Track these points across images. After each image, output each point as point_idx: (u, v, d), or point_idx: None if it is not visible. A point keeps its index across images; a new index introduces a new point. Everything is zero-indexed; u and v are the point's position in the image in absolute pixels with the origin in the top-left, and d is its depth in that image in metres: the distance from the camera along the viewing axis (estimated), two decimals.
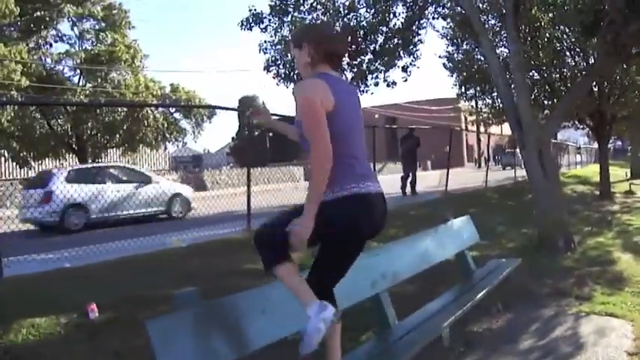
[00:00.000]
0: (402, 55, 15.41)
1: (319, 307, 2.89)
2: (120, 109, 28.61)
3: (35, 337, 4.54)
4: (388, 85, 16.21)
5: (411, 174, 17.09)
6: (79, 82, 29.92)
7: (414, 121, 39.41)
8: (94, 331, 4.67)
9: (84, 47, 30.01)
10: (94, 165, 17.42)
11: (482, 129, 36.05)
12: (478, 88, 19.38)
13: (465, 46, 18.43)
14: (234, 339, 3.12)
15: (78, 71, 29.97)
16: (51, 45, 30.08)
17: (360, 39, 15.30)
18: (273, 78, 15.85)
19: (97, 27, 29.97)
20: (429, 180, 20.03)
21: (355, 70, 15.31)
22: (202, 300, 3.14)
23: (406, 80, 16.88)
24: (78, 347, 4.39)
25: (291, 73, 15.38)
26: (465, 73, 18.74)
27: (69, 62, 29.87)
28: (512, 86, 9.78)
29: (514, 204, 14.49)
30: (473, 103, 24.03)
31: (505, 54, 13.86)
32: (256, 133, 46.57)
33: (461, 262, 6.41)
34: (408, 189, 16.98)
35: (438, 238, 5.95)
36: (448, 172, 17.36)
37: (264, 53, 15.74)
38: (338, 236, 2.91)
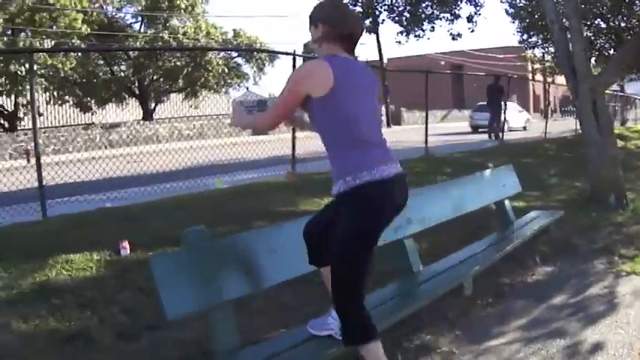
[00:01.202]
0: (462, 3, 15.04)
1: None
2: (181, 55, 28.92)
3: (68, 272, 4.69)
4: (454, 39, 15.92)
5: (496, 120, 17.95)
6: (139, 29, 30.32)
7: (478, 68, 38.41)
8: (123, 268, 4.79)
9: None
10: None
11: (549, 79, 34.91)
12: (541, 36, 18.67)
13: None
14: (239, 277, 3.12)
15: (139, 18, 30.31)
16: None
17: None
18: None
19: None
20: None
21: (410, 15, 15.06)
22: (211, 239, 3.15)
23: (473, 31, 16.66)
24: (106, 282, 4.52)
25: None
26: (527, 20, 18.05)
27: (130, 10, 30.24)
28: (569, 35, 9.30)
29: (571, 156, 13.98)
30: (536, 51, 23.28)
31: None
32: None
33: (499, 212, 6.28)
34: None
35: (474, 185, 5.82)
36: (505, 120, 16.92)
37: None
38: (358, 225, 2.76)
